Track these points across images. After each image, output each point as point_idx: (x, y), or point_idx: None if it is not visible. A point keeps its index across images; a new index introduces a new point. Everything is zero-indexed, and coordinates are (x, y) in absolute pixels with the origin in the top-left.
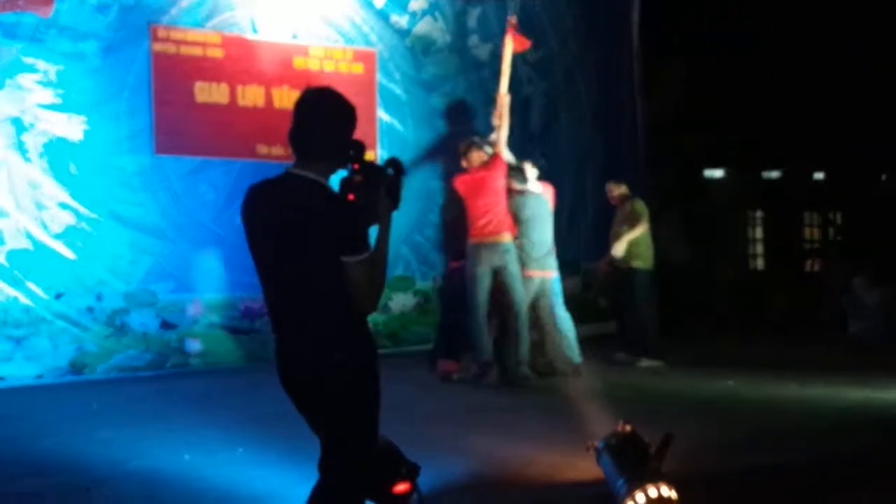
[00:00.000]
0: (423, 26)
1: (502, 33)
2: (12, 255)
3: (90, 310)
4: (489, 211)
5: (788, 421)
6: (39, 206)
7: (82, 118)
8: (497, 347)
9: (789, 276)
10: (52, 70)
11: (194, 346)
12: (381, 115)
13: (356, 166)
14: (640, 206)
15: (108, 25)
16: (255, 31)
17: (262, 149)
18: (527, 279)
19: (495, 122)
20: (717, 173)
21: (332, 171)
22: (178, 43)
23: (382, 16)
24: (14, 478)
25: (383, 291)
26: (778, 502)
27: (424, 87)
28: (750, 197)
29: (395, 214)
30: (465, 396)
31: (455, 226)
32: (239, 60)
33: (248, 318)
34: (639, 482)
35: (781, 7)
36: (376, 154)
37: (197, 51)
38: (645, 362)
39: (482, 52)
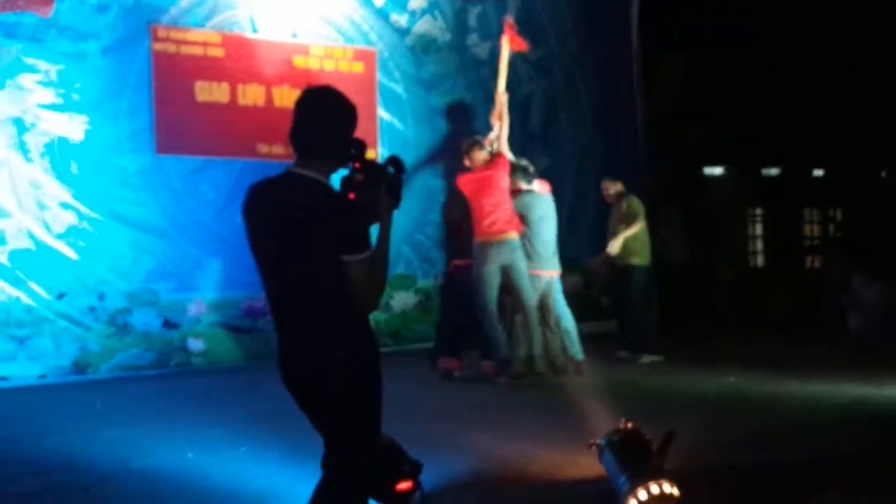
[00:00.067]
0: (423, 25)
1: (501, 32)
2: (14, 255)
3: (92, 309)
4: (495, 210)
5: (790, 418)
6: (41, 206)
7: (83, 118)
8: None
9: (789, 273)
10: (52, 70)
11: (196, 345)
12: (382, 113)
13: (357, 165)
14: (636, 203)
15: (108, 25)
16: (255, 30)
17: (263, 148)
18: (535, 278)
19: (493, 121)
20: (717, 171)
21: (333, 170)
22: (179, 42)
23: (382, 15)
24: (17, 477)
25: (384, 290)
26: (779, 499)
27: (424, 85)
28: (749, 194)
29: (396, 213)
30: (467, 394)
31: (457, 225)
32: (239, 60)
33: (249, 317)
34: (641, 479)
35: (780, 2)
36: (377, 153)
37: (197, 50)
38: (646, 358)
39: (482, 50)
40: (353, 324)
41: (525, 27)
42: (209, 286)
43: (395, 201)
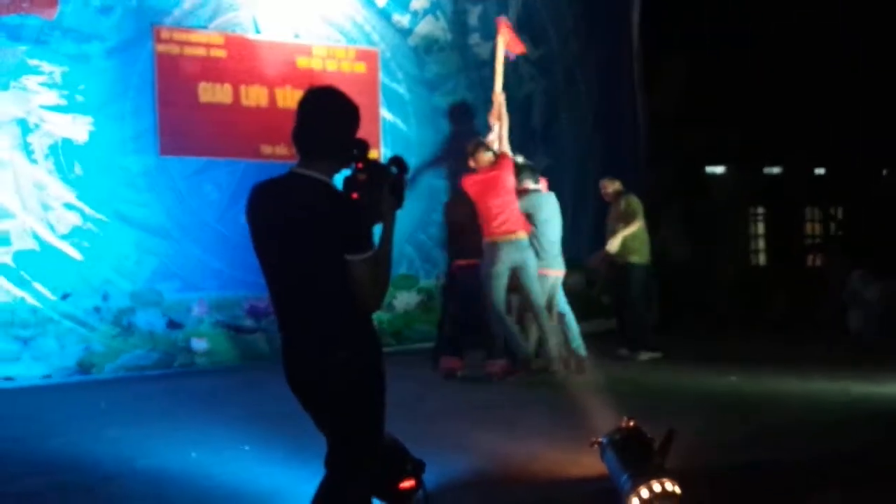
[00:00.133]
0: (425, 25)
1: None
2: (19, 255)
3: (97, 310)
4: (504, 210)
5: (790, 416)
6: (45, 207)
7: (87, 119)
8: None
9: (791, 271)
10: (56, 71)
11: (200, 345)
12: (384, 114)
13: (360, 165)
14: (635, 202)
15: (111, 27)
16: (257, 31)
17: (266, 148)
18: (542, 277)
19: (492, 121)
20: (718, 170)
21: (336, 170)
22: (182, 44)
23: (384, 15)
24: (22, 476)
25: (388, 290)
26: (779, 497)
27: (427, 85)
28: (751, 193)
29: (399, 213)
30: (469, 393)
31: (461, 226)
32: (242, 61)
33: (253, 317)
34: (643, 477)
35: (781, 3)
36: (380, 153)
37: (200, 51)
38: (644, 355)
39: (483, 50)
40: (357, 324)
41: (526, 27)
42: (213, 286)
43: (398, 201)
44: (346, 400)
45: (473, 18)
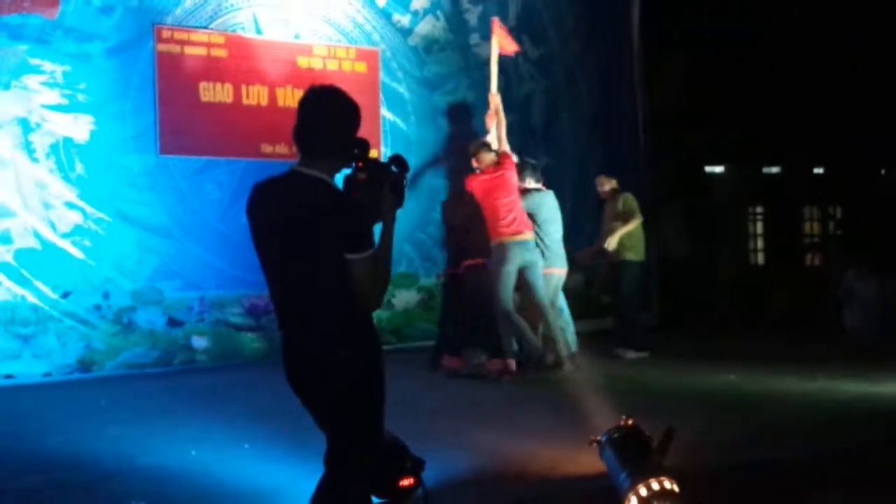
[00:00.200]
0: (425, 25)
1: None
2: (20, 254)
3: (97, 308)
4: (511, 209)
5: (789, 415)
6: (46, 206)
7: (88, 118)
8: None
9: (790, 270)
10: (58, 71)
11: (201, 343)
12: (385, 113)
13: (360, 164)
14: (632, 200)
15: (113, 26)
16: (258, 31)
17: (267, 148)
18: (546, 276)
19: (488, 122)
20: (718, 169)
21: (337, 169)
22: (182, 43)
23: (385, 15)
24: (23, 474)
25: (388, 288)
26: (779, 496)
27: (427, 85)
28: (750, 192)
29: (399, 212)
30: (468, 391)
31: (464, 226)
32: (243, 60)
33: (253, 316)
34: (641, 476)
35: (782, 2)
36: (380, 152)
37: (201, 51)
38: (631, 354)
39: (484, 50)
40: (356, 322)
41: (526, 27)
42: (213, 285)
43: (399, 200)
44: (346, 398)
45: (473, 18)
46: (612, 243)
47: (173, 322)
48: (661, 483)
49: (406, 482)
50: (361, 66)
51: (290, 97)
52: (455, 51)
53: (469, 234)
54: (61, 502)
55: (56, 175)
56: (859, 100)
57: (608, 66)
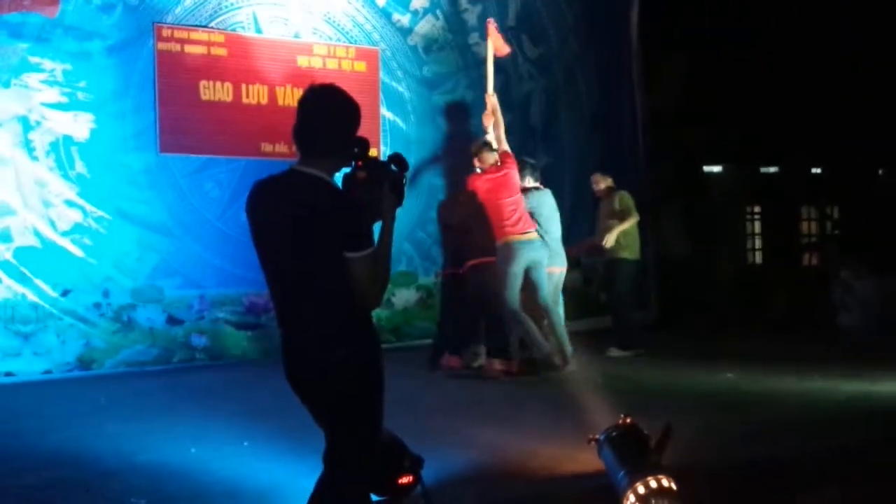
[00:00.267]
0: (425, 25)
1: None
2: (20, 252)
3: (97, 306)
4: (516, 209)
5: (787, 413)
6: (46, 204)
7: (88, 117)
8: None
9: (787, 270)
10: (58, 69)
11: (200, 341)
12: (385, 112)
13: (360, 163)
14: (628, 198)
15: (113, 25)
16: (258, 30)
17: (267, 147)
18: (548, 275)
19: (485, 121)
20: (716, 169)
21: (337, 168)
22: (183, 42)
23: (385, 14)
24: (22, 471)
25: (387, 287)
26: (776, 494)
27: (427, 84)
28: (748, 192)
29: (398, 211)
30: (467, 390)
31: (465, 226)
32: (243, 59)
33: (253, 314)
34: (639, 474)
35: (781, 2)
36: (380, 151)
37: (201, 50)
38: (615, 352)
39: (483, 49)
40: (356, 321)
41: (525, 26)
42: (213, 283)
43: (399, 199)
44: (346, 397)
45: (473, 18)
46: (609, 240)
47: (173, 320)
48: (659, 481)
49: (405, 480)
50: (361, 66)
51: (290, 96)
52: (454, 50)
53: (469, 234)
54: (61, 500)
55: (56, 173)
56: (858, 100)
57: (607, 65)
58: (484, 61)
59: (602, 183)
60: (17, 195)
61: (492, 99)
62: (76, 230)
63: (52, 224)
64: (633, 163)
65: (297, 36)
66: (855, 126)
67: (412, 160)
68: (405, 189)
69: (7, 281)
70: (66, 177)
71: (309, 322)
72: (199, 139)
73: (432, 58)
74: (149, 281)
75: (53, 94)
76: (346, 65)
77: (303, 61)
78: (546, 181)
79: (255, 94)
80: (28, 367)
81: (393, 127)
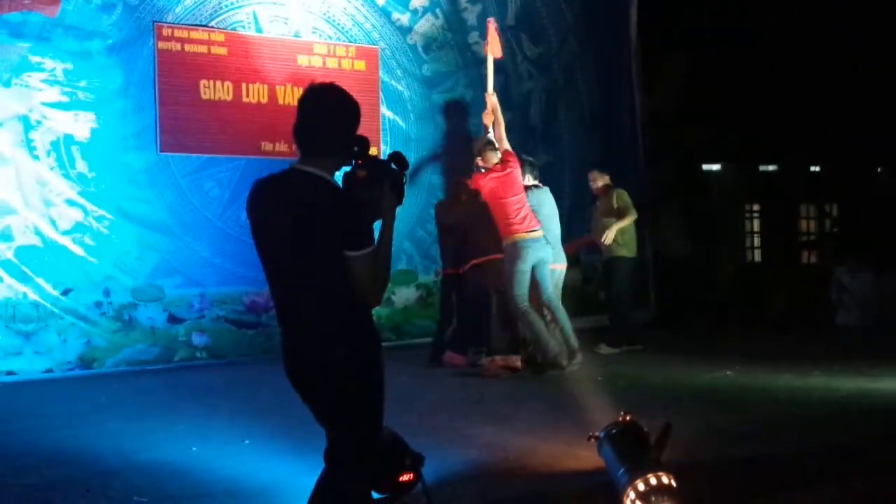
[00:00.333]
0: (425, 24)
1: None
2: (21, 251)
3: (98, 305)
4: (521, 207)
5: (786, 411)
6: (47, 203)
7: (89, 116)
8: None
9: (786, 268)
10: (58, 68)
11: (201, 339)
12: (384, 111)
13: (360, 162)
14: (626, 196)
15: (113, 24)
16: (258, 29)
17: (267, 146)
18: (551, 272)
19: (486, 121)
20: (715, 167)
21: (337, 167)
22: (183, 41)
23: (384, 13)
24: (24, 470)
25: (387, 285)
26: (776, 491)
27: (426, 83)
28: (746, 190)
29: (398, 209)
30: (468, 388)
31: (467, 225)
32: (243, 58)
33: (253, 312)
34: (639, 471)
35: (781, 2)
36: (379, 150)
37: (201, 49)
38: (604, 349)
39: (482, 48)
40: (356, 320)
41: (524, 25)
42: (213, 282)
43: (399, 198)
44: (346, 395)
45: (472, 17)
46: (609, 237)
47: (174, 319)
48: (658, 478)
49: (406, 478)
50: (361, 65)
51: (290, 95)
52: (454, 49)
53: (470, 234)
54: (62, 498)
55: (57, 172)
56: (856, 99)
57: (607, 65)
58: (484, 60)
59: (599, 181)
60: (18, 194)
61: (492, 98)
62: (77, 229)
63: (53, 223)
64: (632, 162)
65: (297, 35)
66: (854, 125)
67: (412, 159)
68: (405, 188)
69: (8, 280)
70: (66, 176)
71: (309, 321)
72: (199, 138)
73: (432, 57)
74: (149, 280)
75: (54, 94)
76: (345, 64)
77: (303, 60)
78: (546, 180)
79: (256, 94)
80: (29, 365)
81: (392, 126)
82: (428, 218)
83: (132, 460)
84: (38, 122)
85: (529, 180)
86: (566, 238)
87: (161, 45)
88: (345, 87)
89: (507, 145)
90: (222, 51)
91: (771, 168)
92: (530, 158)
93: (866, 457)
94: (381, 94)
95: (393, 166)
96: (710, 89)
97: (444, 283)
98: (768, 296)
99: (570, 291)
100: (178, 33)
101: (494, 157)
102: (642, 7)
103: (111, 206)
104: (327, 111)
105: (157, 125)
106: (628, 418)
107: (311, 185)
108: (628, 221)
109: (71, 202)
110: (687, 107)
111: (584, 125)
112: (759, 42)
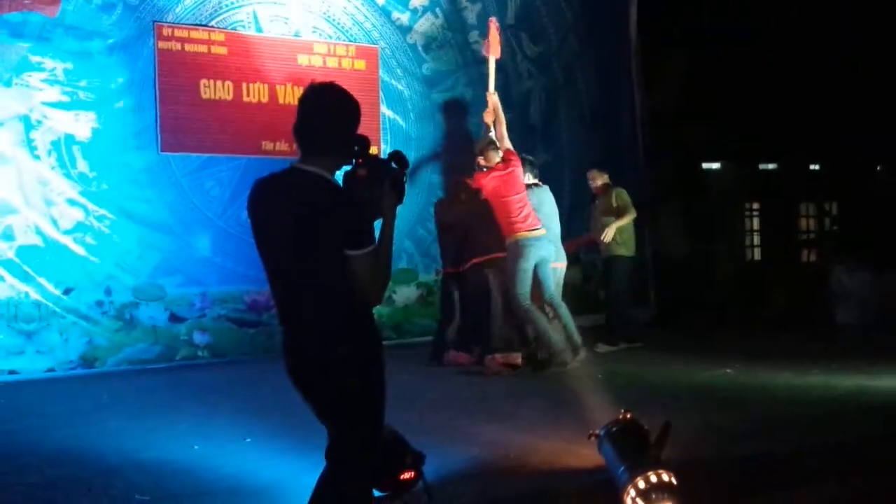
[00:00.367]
0: (424, 23)
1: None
2: (22, 250)
3: (100, 304)
4: (524, 206)
5: (785, 409)
6: (48, 203)
7: (89, 115)
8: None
9: (786, 266)
10: (59, 68)
11: (202, 338)
12: (384, 110)
13: (360, 161)
14: (625, 194)
15: (113, 24)
16: (258, 28)
17: (267, 145)
18: (552, 270)
19: (487, 119)
20: (715, 165)
21: (338, 166)
22: (183, 41)
23: (384, 13)
24: (26, 469)
25: (388, 284)
26: (775, 489)
27: (426, 82)
28: (747, 188)
29: (398, 208)
30: (469, 386)
31: (467, 224)
32: (243, 58)
33: (254, 311)
34: (639, 469)
35: (780, 1)
36: (380, 149)
37: (201, 48)
38: (603, 347)
39: (482, 47)
40: (357, 318)
41: (524, 24)
42: (214, 281)
43: (399, 197)
44: (347, 394)
45: (472, 16)
46: (608, 235)
47: (175, 318)
48: (658, 476)
49: (407, 476)
50: (361, 64)
51: (291, 94)
52: (454, 48)
53: (471, 233)
54: (64, 497)
55: (58, 172)
56: (856, 97)
57: (607, 63)
58: (485, 60)
59: (599, 179)
60: (19, 194)
61: (493, 97)
62: (78, 229)
63: (55, 223)
64: (632, 161)
65: (297, 34)
66: (854, 123)
67: (412, 158)
68: (405, 186)
69: (10, 279)
70: (67, 176)
71: (310, 319)
72: (199, 138)
73: (432, 56)
74: (150, 279)
75: (54, 94)
76: (346, 63)
77: (303, 60)
78: (545, 179)
79: (256, 93)
80: (31, 365)
81: (393, 125)
82: (428, 217)
83: (134, 459)
84: (39, 122)
85: (529, 179)
86: (565, 237)
87: (161, 44)
88: (345, 87)
89: (508, 144)
90: (222, 50)
91: (770, 166)
92: (530, 157)
93: (865, 455)
94: (381, 93)
95: (393, 165)
96: (709, 88)
97: (444, 282)
98: (768, 294)
99: (570, 290)
100: (178, 33)
101: (496, 157)
102: (642, 6)
103: (112, 206)
104: (327, 110)
105: (158, 125)
106: (628, 416)
107: (311, 185)
108: (627, 220)
109: (72, 202)
110: (687, 105)
111: (584, 124)
112: (759, 41)
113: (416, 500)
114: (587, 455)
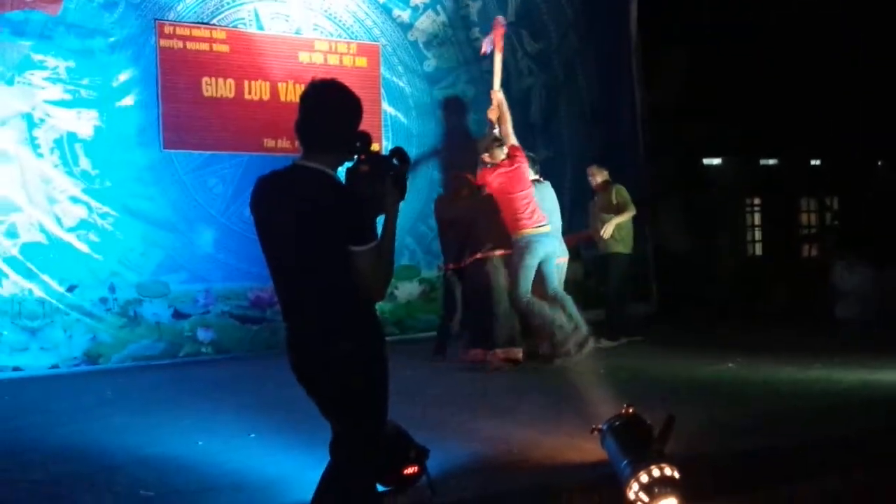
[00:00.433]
0: (425, 20)
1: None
2: (26, 248)
3: (104, 301)
4: (529, 202)
5: (787, 403)
6: (52, 201)
7: (92, 113)
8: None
9: (787, 261)
10: (61, 66)
11: (206, 335)
12: (386, 107)
13: (362, 157)
14: (625, 191)
15: (115, 22)
16: (260, 26)
17: (269, 142)
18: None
19: (491, 116)
20: (716, 161)
21: (340, 162)
22: (185, 39)
23: (385, 10)
24: (30, 465)
25: (391, 280)
26: (778, 483)
27: (427, 79)
28: (748, 184)
29: (400, 205)
30: (471, 381)
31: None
32: (245, 55)
33: (258, 308)
34: (642, 463)
35: None
36: (381, 146)
37: (203, 46)
38: (604, 343)
39: (482, 44)
40: (360, 315)
41: (525, 21)
42: (218, 277)
43: (401, 193)
44: (350, 390)
45: (473, 13)
46: (608, 231)
47: (179, 314)
48: (661, 470)
49: (410, 471)
50: (362, 61)
51: (292, 92)
52: (455, 45)
53: (472, 229)
54: (68, 493)
55: (60, 170)
56: (857, 93)
57: (607, 60)
58: (487, 57)
59: (598, 176)
60: (23, 192)
61: (498, 94)
62: (82, 226)
63: (58, 220)
64: (632, 157)
65: (298, 32)
66: (854, 119)
67: (413, 154)
68: (407, 183)
69: (14, 277)
70: (70, 173)
71: (313, 316)
72: (202, 135)
73: (433, 53)
74: (154, 276)
75: (57, 92)
76: (347, 60)
77: (304, 57)
78: (546, 176)
79: (258, 91)
80: (35, 361)
81: (394, 122)
82: (430, 213)
83: (138, 455)
84: (42, 120)
85: (531, 175)
86: (566, 233)
87: (163, 42)
88: (346, 84)
89: (513, 140)
90: (224, 48)
91: (771, 162)
92: (531, 154)
93: (868, 449)
94: (382, 90)
95: (395, 162)
96: (710, 84)
97: (446, 279)
98: (769, 289)
99: (571, 285)
100: (179, 31)
101: (501, 154)
102: (642, 2)
103: (115, 203)
104: (329, 107)
105: (160, 122)
106: (631, 410)
107: (313, 181)
108: (626, 217)
109: (75, 199)
110: (687, 101)
111: (585, 120)
112: (760, 36)
113: (419, 495)
114: (589, 450)
